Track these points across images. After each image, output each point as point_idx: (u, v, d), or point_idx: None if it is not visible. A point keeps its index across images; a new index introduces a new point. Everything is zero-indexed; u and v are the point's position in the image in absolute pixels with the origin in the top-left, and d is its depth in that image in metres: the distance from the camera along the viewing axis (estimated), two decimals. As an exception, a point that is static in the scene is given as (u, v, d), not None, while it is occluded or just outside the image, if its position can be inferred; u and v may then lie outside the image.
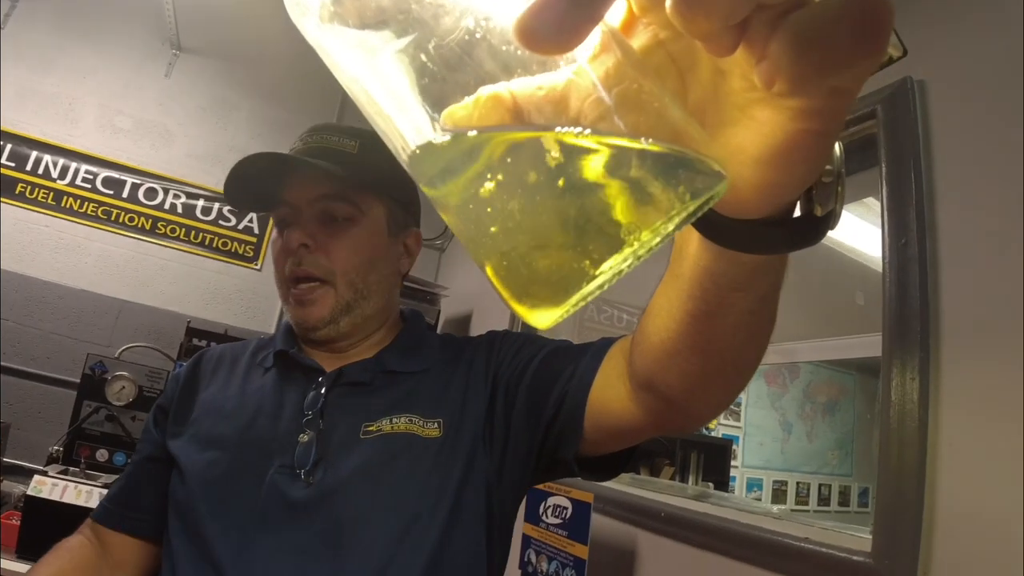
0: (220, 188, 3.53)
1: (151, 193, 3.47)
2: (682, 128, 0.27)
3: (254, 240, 3.67)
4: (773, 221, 0.36)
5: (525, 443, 0.91)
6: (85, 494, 2.17)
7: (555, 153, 0.25)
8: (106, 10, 3.45)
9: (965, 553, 1.07)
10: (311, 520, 0.86)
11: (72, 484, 2.18)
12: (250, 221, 3.67)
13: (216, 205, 3.60)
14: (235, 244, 3.62)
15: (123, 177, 3.42)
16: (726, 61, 0.29)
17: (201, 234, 3.55)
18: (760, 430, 4.22)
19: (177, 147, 3.56)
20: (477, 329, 3.36)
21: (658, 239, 0.27)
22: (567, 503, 1.81)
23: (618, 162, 0.25)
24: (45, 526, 2.06)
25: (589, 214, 0.26)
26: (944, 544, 1.10)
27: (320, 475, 0.88)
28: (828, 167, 0.35)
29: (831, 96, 0.27)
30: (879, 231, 1.39)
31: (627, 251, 0.26)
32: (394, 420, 0.93)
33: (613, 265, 0.26)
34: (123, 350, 2.90)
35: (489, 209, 0.26)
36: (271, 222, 3.62)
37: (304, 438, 0.91)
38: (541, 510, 1.88)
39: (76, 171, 3.33)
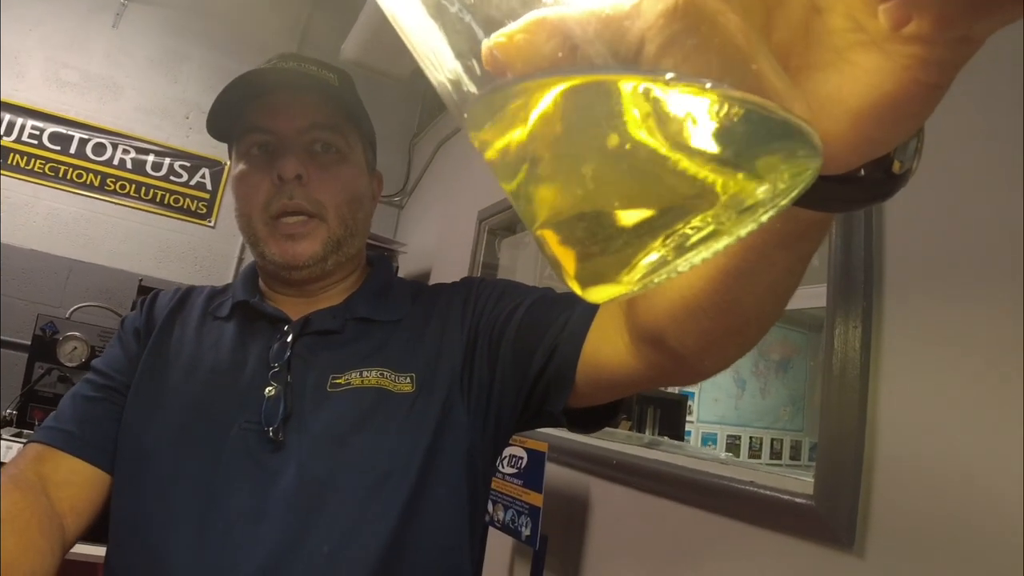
0: (171, 143, 3.46)
1: (100, 148, 3.38)
2: (772, 81, 0.22)
3: (207, 196, 3.60)
4: (845, 176, 0.32)
5: (511, 395, 0.87)
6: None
7: (613, 103, 0.20)
8: (49, -43, 3.32)
9: (903, 495, 1.11)
10: (276, 480, 0.80)
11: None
12: (202, 177, 3.59)
13: (167, 160, 3.51)
14: (187, 201, 3.55)
15: (71, 132, 3.33)
16: None
17: (152, 190, 3.48)
18: (715, 386, 4.29)
19: (126, 101, 3.47)
20: (436, 287, 3.35)
21: (745, 230, 0.23)
22: (522, 453, 1.84)
23: (685, 120, 0.20)
24: None
25: (652, 186, 0.21)
26: (883, 487, 1.14)
27: (289, 432, 0.83)
28: None
29: (960, 45, 0.23)
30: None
31: (716, 243, 0.22)
32: (364, 373, 0.88)
33: (693, 248, 0.22)
34: (74, 310, 2.85)
35: (533, 164, 0.23)
36: (225, 174, 3.56)
37: (271, 392, 0.85)
38: (497, 460, 1.90)
39: (22, 127, 3.24)
